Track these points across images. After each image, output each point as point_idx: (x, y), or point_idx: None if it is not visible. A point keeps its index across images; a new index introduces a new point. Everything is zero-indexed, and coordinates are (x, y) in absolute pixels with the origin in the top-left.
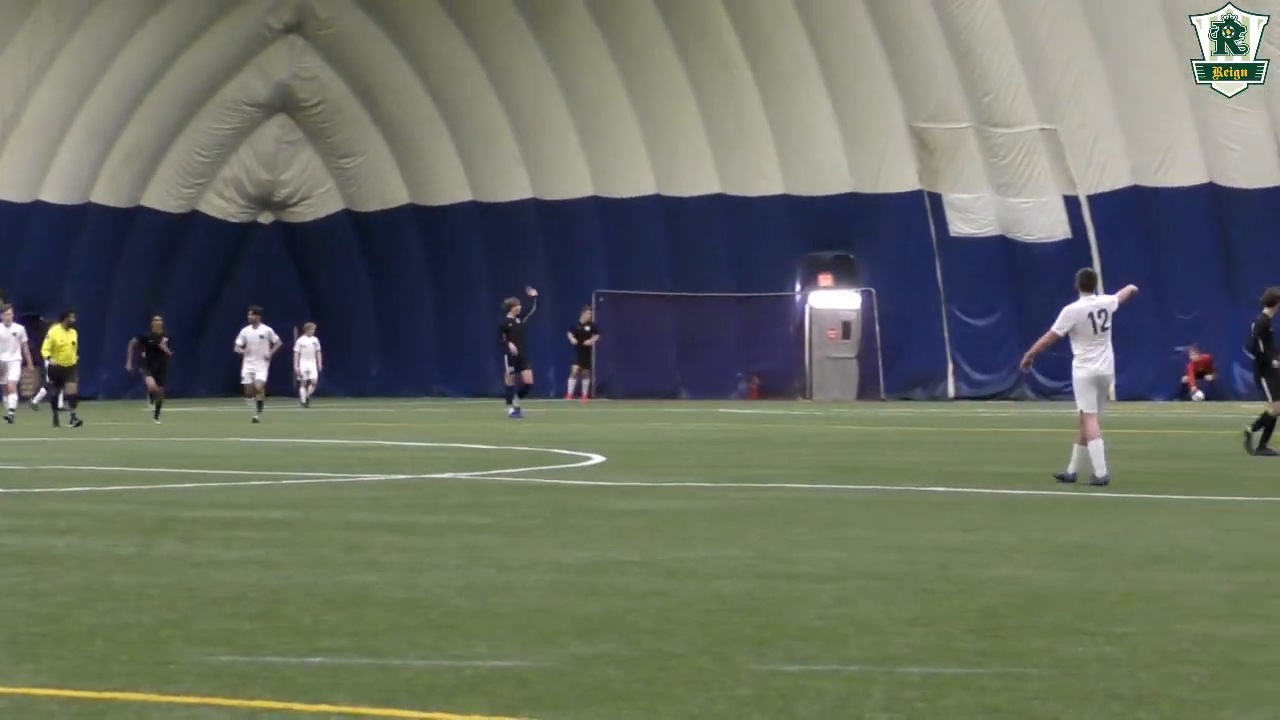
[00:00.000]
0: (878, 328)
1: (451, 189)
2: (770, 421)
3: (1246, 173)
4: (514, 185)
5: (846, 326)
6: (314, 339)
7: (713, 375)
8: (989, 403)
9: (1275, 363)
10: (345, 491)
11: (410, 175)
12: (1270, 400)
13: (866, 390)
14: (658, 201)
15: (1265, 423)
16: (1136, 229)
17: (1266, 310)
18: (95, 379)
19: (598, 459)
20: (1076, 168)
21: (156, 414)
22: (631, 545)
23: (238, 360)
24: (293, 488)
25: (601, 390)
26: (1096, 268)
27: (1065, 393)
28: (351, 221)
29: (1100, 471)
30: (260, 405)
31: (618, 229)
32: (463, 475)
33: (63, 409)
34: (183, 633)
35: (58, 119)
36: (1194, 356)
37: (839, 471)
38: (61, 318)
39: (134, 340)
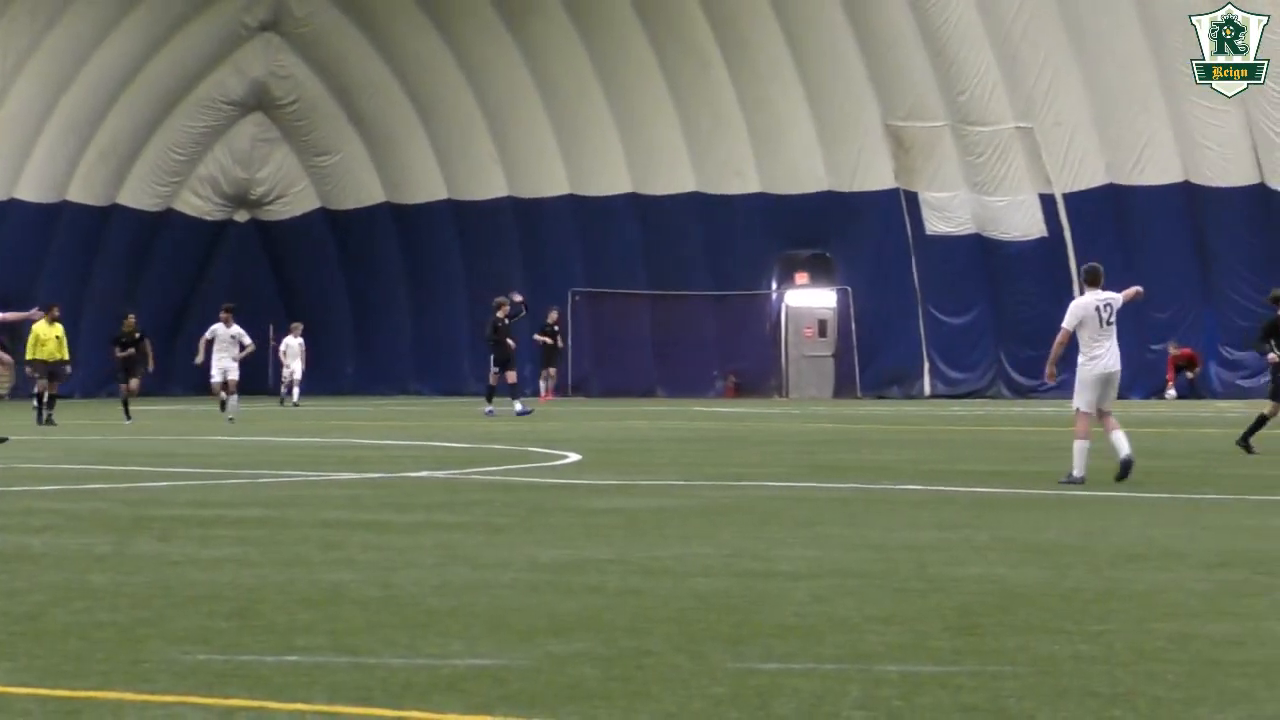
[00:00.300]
0: (854, 326)
1: (427, 187)
2: (747, 420)
3: (1222, 171)
4: (490, 183)
5: (823, 325)
6: (300, 339)
7: (689, 374)
8: (965, 401)
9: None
10: (321, 490)
11: (386, 173)
12: (1271, 400)
13: (843, 388)
14: (633, 200)
15: (1259, 421)
16: (1112, 227)
17: None
18: (71, 377)
19: (574, 457)
20: (1052, 166)
21: (126, 414)
22: (607, 544)
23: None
24: (269, 486)
25: (578, 389)
26: (1072, 266)
27: (1041, 391)
28: (327, 220)
29: (1077, 471)
30: (224, 405)
31: (593, 227)
32: (439, 474)
33: (35, 407)
34: (159, 631)
35: (33, 116)
36: (1173, 351)
37: (815, 470)
38: (45, 312)
39: (114, 347)
